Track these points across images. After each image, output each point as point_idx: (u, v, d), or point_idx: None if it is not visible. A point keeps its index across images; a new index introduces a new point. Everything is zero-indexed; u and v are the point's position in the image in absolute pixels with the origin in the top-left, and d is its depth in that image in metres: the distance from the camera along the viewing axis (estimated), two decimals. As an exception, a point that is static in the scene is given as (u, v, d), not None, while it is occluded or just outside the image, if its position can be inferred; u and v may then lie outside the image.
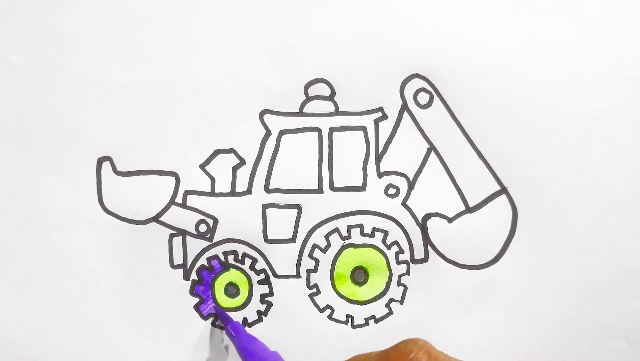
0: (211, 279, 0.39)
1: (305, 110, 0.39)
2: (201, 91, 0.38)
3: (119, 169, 0.38)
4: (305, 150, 0.39)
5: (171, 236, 0.39)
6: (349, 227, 0.39)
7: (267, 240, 0.39)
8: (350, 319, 0.40)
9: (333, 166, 0.39)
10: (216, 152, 0.39)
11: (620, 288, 0.39)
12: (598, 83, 0.38)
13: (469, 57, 0.38)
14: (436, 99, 0.38)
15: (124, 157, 0.38)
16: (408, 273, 0.39)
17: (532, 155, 0.39)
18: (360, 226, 0.39)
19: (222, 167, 0.39)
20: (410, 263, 0.39)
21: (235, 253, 0.39)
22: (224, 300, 0.39)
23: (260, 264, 0.39)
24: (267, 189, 0.39)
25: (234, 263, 0.39)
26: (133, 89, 0.38)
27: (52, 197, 0.38)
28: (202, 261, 0.39)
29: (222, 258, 0.39)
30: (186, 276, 0.39)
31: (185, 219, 0.39)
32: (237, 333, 0.37)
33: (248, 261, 0.39)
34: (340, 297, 0.40)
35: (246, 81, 0.38)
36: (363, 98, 0.39)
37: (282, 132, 0.39)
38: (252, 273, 0.39)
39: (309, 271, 0.39)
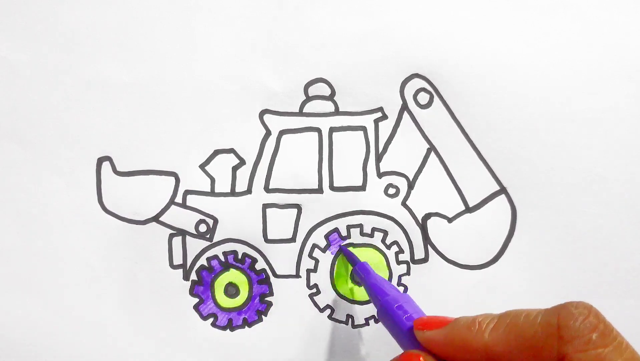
0: (211, 279, 0.39)
1: (305, 110, 0.39)
2: (201, 91, 0.38)
3: (119, 169, 0.38)
4: (305, 150, 0.39)
5: (171, 236, 0.39)
6: (349, 227, 0.39)
7: (267, 240, 0.39)
8: (350, 319, 0.40)
9: (333, 166, 0.39)
10: (216, 152, 0.39)
11: (620, 288, 0.39)
12: (598, 83, 0.38)
13: (469, 57, 0.38)
14: (436, 99, 0.38)
15: (124, 157, 0.38)
16: (408, 273, 0.39)
17: (532, 155, 0.39)
18: (360, 226, 0.39)
19: (222, 167, 0.39)
20: (410, 263, 0.39)
21: (235, 253, 0.39)
22: (224, 300, 0.39)
23: (260, 264, 0.39)
24: (267, 189, 0.39)
25: (234, 263, 0.39)
26: (133, 89, 0.38)
27: (51, 197, 0.38)
28: (202, 261, 0.39)
29: (222, 258, 0.39)
30: (186, 277, 0.39)
31: (185, 219, 0.39)
32: (366, 273, 0.36)
33: (248, 261, 0.39)
34: (340, 297, 0.40)
35: (246, 81, 0.38)
36: (363, 98, 0.39)
37: (282, 132, 0.39)
38: (252, 273, 0.39)
39: (309, 271, 0.39)
